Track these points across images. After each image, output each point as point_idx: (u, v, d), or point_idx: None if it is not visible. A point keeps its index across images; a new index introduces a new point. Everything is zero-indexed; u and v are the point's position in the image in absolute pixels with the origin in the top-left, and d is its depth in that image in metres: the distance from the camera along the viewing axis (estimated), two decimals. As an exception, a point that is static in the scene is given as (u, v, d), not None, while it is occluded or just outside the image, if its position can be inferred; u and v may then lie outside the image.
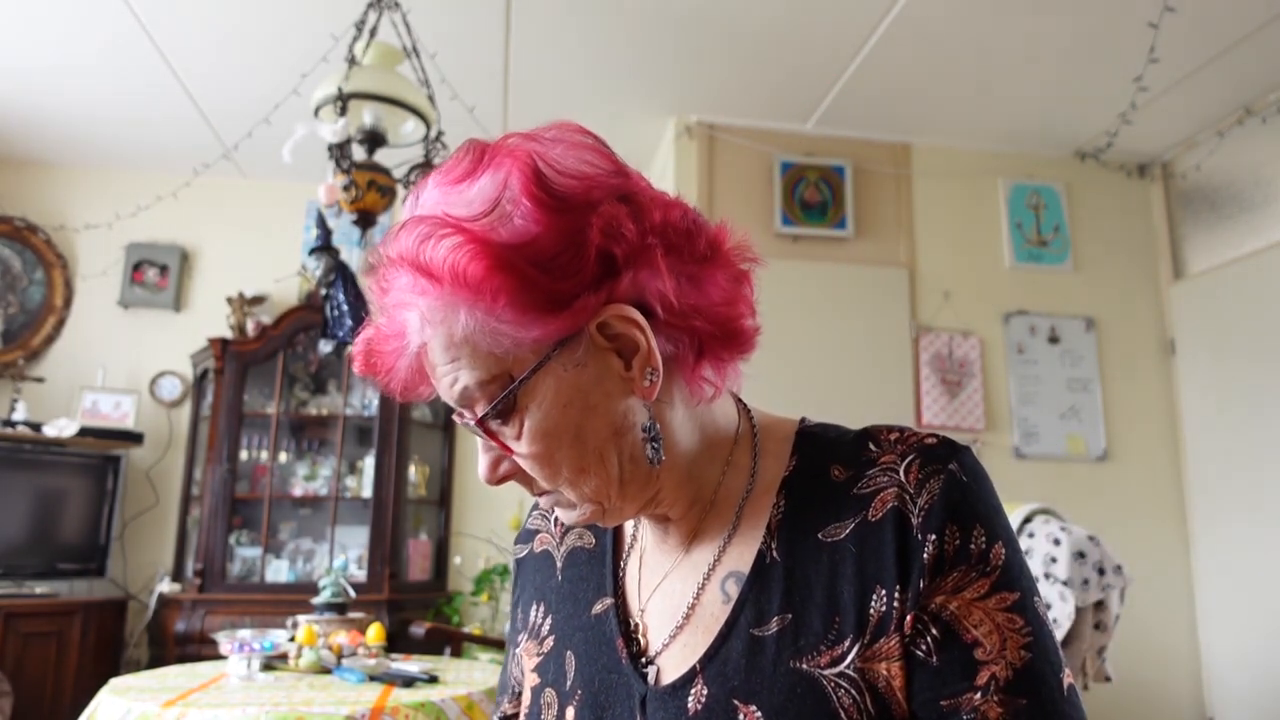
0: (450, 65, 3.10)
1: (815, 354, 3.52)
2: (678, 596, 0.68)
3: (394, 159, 2.65)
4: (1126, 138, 3.65)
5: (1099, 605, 2.37)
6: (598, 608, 0.71)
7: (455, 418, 0.63)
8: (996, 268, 3.78)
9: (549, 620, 0.75)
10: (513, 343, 0.58)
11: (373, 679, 2.01)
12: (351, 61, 2.48)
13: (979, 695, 0.56)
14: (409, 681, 1.95)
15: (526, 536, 0.84)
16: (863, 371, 3.54)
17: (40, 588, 3.57)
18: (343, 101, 2.38)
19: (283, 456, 3.92)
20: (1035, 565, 2.38)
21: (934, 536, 0.59)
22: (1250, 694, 3.32)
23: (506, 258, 0.55)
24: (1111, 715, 3.36)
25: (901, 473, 0.62)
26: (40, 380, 3.99)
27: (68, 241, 4.18)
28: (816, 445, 0.69)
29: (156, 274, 4.18)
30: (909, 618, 0.58)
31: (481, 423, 0.61)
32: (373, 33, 2.57)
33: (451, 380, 0.60)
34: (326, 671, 2.10)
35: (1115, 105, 3.40)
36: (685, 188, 3.62)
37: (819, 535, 0.63)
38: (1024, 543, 2.45)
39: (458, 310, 0.57)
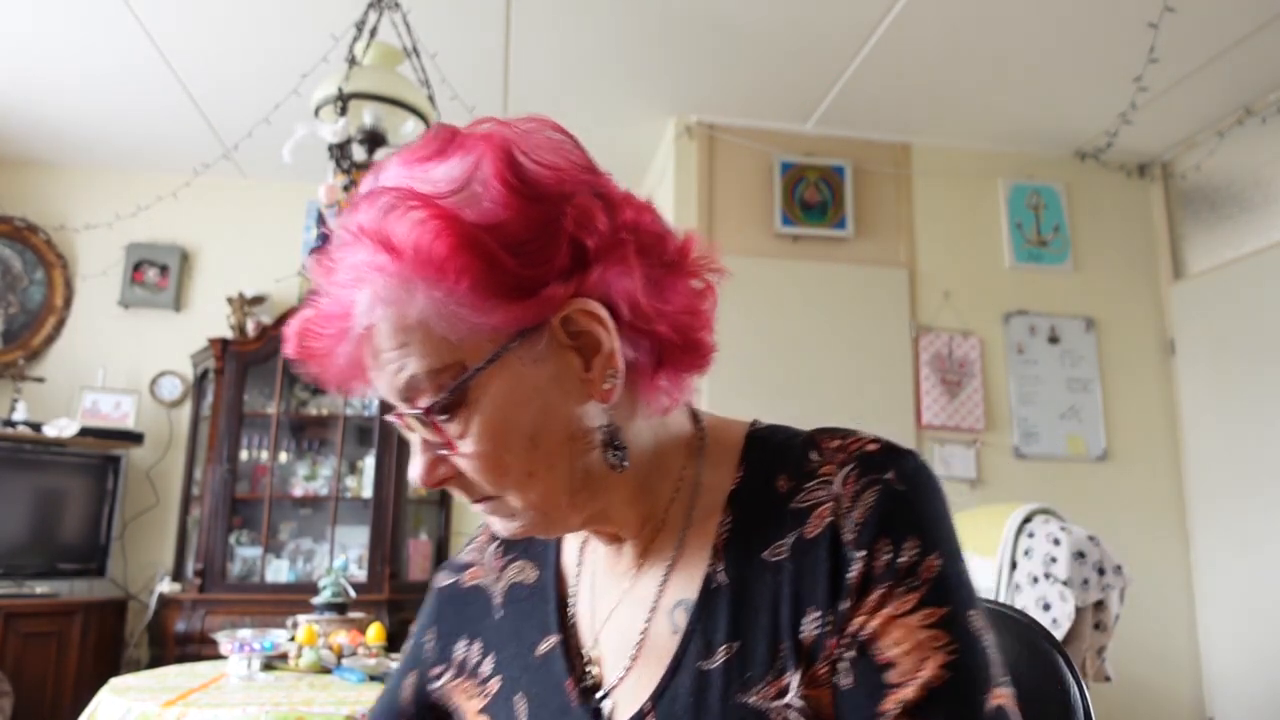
0: (450, 65, 3.10)
1: (815, 354, 3.52)
2: (629, 627, 0.64)
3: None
4: (1126, 138, 3.65)
5: (1099, 605, 2.37)
6: (543, 647, 0.67)
7: (391, 417, 0.58)
8: (996, 268, 3.78)
9: (491, 659, 0.70)
10: (471, 328, 0.55)
11: (373, 679, 2.01)
12: (351, 61, 2.48)
13: None
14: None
15: (456, 568, 0.78)
16: (863, 371, 3.54)
17: (40, 588, 3.57)
18: (343, 101, 2.38)
19: (283, 456, 3.92)
20: (1035, 565, 2.38)
21: (863, 554, 0.55)
22: (1250, 694, 3.32)
23: (474, 236, 0.52)
24: (1111, 715, 3.36)
25: (838, 484, 0.58)
26: (40, 380, 3.99)
27: (68, 241, 4.18)
28: (764, 454, 0.64)
29: (157, 274, 4.18)
30: (831, 643, 0.55)
31: (428, 415, 0.56)
32: (373, 33, 2.57)
33: (398, 368, 0.56)
34: (327, 671, 2.10)
35: (1115, 105, 3.40)
36: (685, 188, 3.62)
37: (763, 554, 0.59)
38: (1024, 543, 2.45)
39: (415, 289, 0.53)
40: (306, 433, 4.05)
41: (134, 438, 3.86)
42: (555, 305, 0.56)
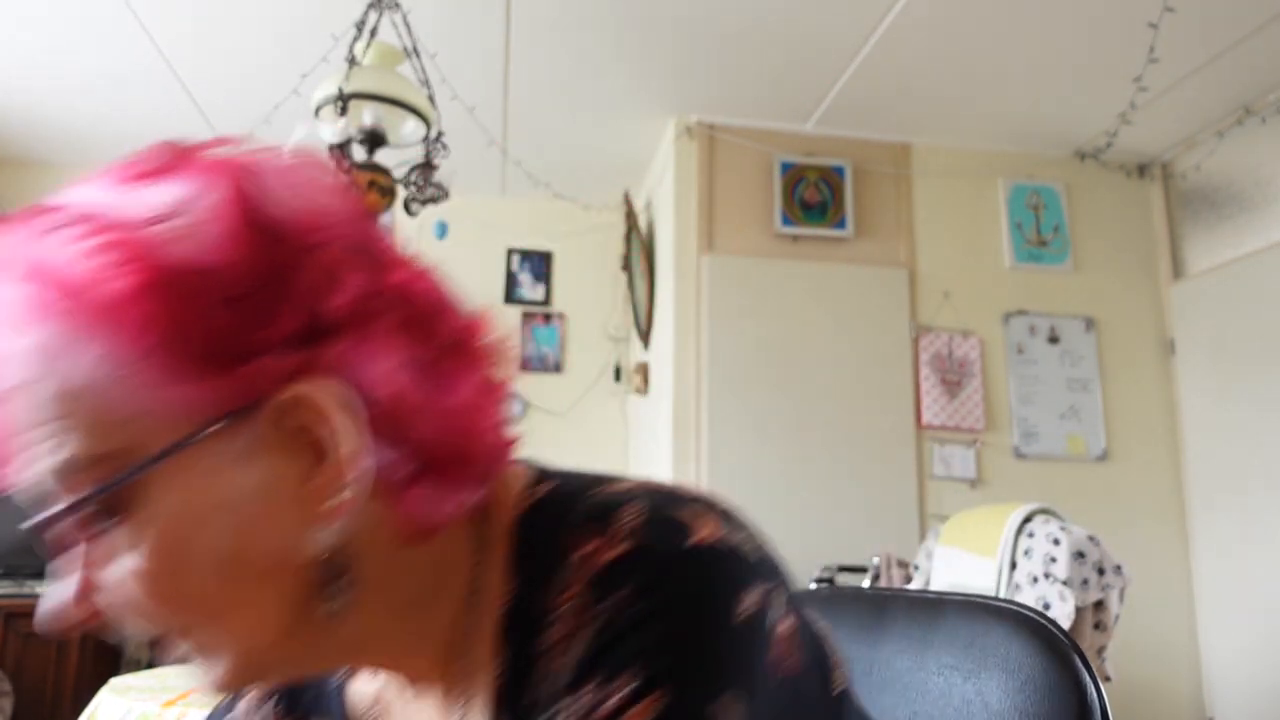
0: (450, 65, 3.10)
1: (815, 354, 3.52)
2: None
3: (394, 159, 2.65)
4: (1126, 138, 3.65)
5: (1099, 605, 2.37)
6: None
7: (32, 524, 0.41)
8: (996, 268, 3.78)
9: None
10: (150, 403, 0.40)
11: (373, 679, 2.01)
12: (351, 61, 2.48)
13: None
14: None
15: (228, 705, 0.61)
16: (863, 371, 3.54)
17: (40, 588, 3.57)
18: (343, 101, 2.38)
19: (283, 456, 3.91)
20: (1035, 565, 2.38)
21: (569, 700, 0.42)
22: (1250, 693, 3.32)
23: (170, 278, 0.39)
24: (1112, 715, 3.36)
25: (572, 611, 0.44)
26: (41, 380, 3.98)
27: (68, 241, 4.18)
28: (534, 551, 0.48)
29: (157, 274, 4.18)
30: None
31: (78, 516, 0.40)
32: (373, 33, 2.57)
33: (52, 447, 0.40)
34: (327, 671, 2.10)
35: (1115, 105, 3.40)
36: (685, 188, 3.62)
37: (543, 689, 0.44)
38: (1024, 543, 2.45)
39: (83, 343, 0.39)
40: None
41: (134, 438, 3.86)
42: (272, 384, 0.41)
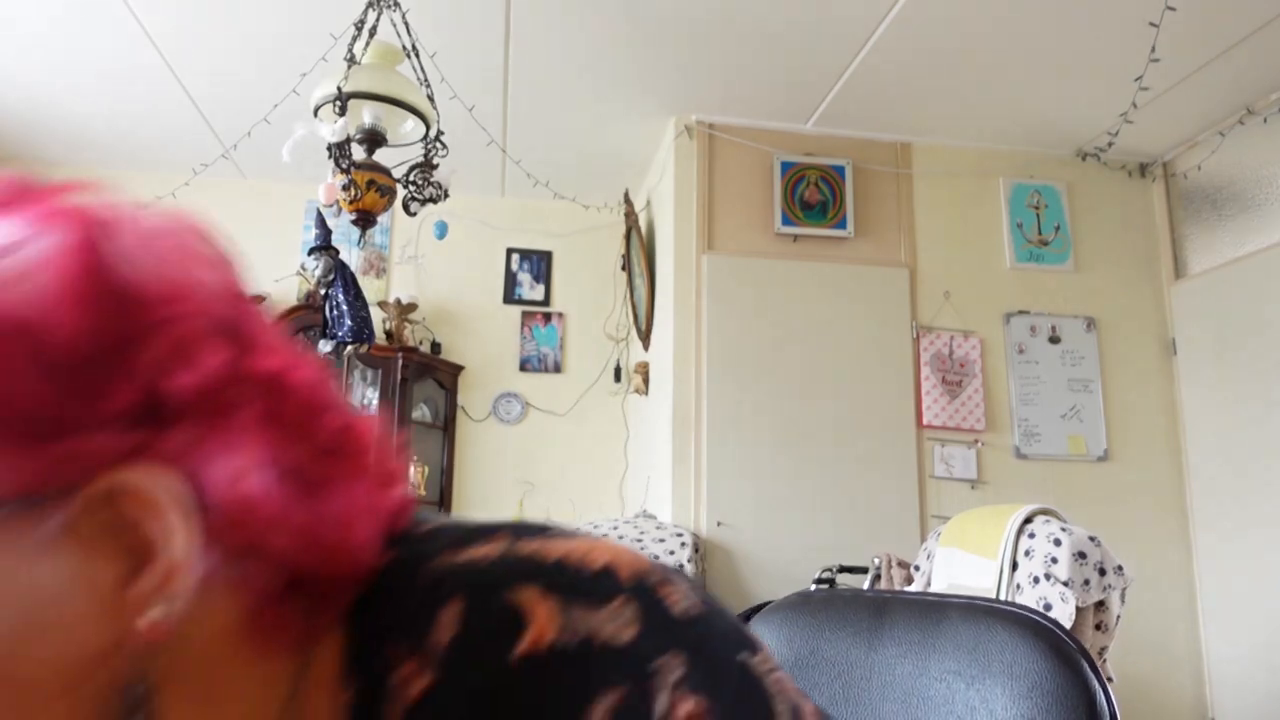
0: (450, 65, 3.10)
1: (815, 354, 3.51)
2: None
3: (394, 159, 2.64)
4: (1127, 137, 3.64)
5: (1100, 606, 2.37)
6: None
7: None
8: (997, 267, 3.77)
9: None
10: None
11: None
12: (351, 61, 2.47)
13: None
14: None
15: None
16: (863, 371, 3.53)
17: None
18: (342, 101, 2.37)
19: (282, 457, 3.91)
20: (1036, 566, 2.37)
21: None
22: (1251, 694, 3.32)
23: None
24: None
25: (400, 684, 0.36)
26: (40, 380, 3.98)
27: (67, 241, 4.17)
28: (358, 669, 0.38)
29: (156, 274, 4.18)
30: None
31: None
32: (372, 32, 2.57)
33: None
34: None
35: (1116, 105, 3.39)
36: (685, 188, 3.61)
37: None
38: (1024, 543, 2.44)
39: None
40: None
41: (133, 438, 3.86)
42: (92, 467, 0.34)
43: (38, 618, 0.34)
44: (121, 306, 0.35)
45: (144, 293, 0.36)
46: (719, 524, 3.27)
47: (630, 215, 4.13)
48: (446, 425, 4.18)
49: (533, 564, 0.37)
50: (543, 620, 0.35)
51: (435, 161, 2.59)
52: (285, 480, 0.38)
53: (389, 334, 4.09)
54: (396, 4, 2.59)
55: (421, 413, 4.07)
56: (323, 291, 2.94)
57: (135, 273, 0.36)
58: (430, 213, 2.79)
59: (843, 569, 2.96)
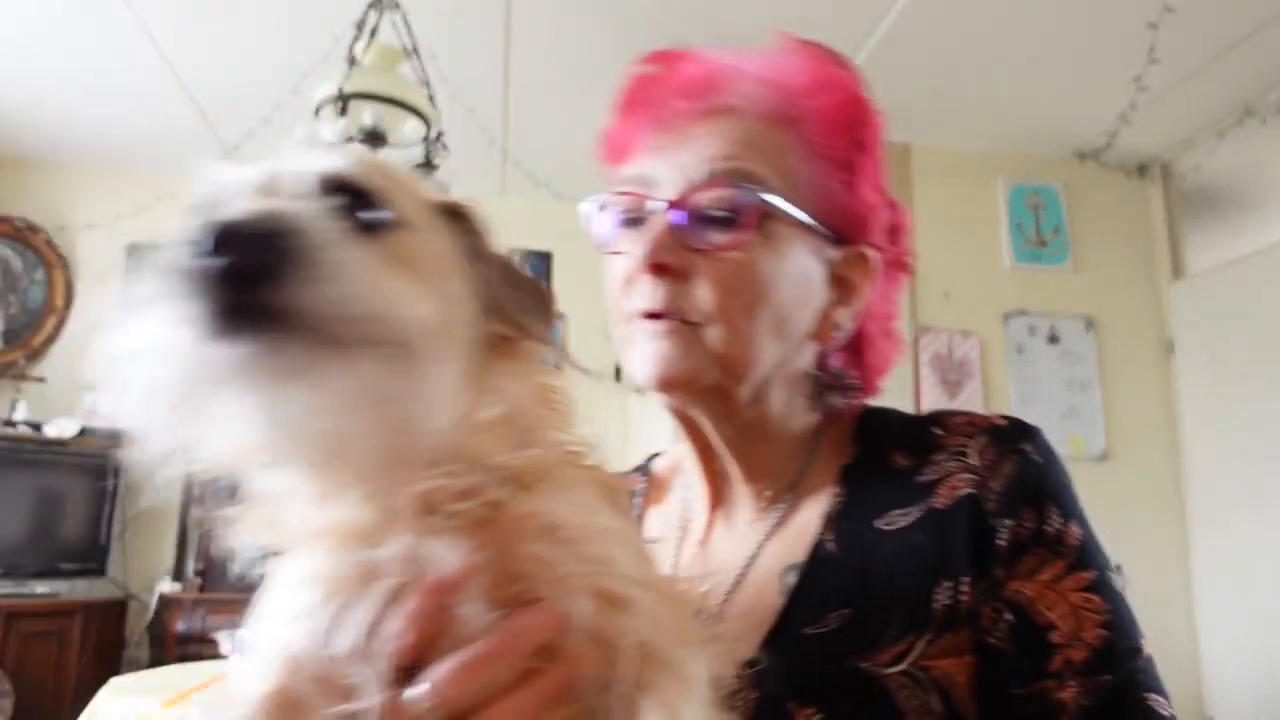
0: (450, 65, 3.10)
1: (815, 354, 3.52)
2: (722, 583, 0.64)
3: (394, 159, 2.65)
4: (1126, 138, 3.65)
5: (1098, 605, 2.37)
6: None
7: (698, 193, 0.60)
8: (996, 268, 3.77)
9: None
10: (817, 175, 0.62)
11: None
12: (352, 61, 2.48)
13: (1053, 681, 0.54)
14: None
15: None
16: (862, 371, 3.53)
17: (41, 587, 3.57)
18: (343, 101, 2.38)
19: (283, 456, 3.92)
20: (1035, 565, 2.38)
21: (1010, 522, 0.57)
22: (1249, 693, 3.32)
23: (880, 136, 0.69)
24: None
25: (973, 456, 0.60)
26: (41, 380, 3.99)
27: (68, 242, 4.18)
28: (877, 431, 0.68)
29: (157, 274, 4.19)
30: (986, 610, 0.56)
31: (734, 212, 0.60)
32: (373, 33, 2.57)
33: (725, 154, 0.61)
34: (327, 671, 2.10)
35: (1115, 105, 3.40)
36: (685, 188, 3.62)
37: (878, 524, 0.61)
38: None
39: (803, 127, 0.64)
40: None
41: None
42: (863, 237, 0.64)
43: (805, 294, 0.63)
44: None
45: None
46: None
47: (630, 215, 4.14)
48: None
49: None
50: (1001, 418, 0.64)
51: (436, 162, 2.60)
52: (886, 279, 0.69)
53: (389, 334, 4.10)
54: (397, 4, 2.59)
55: (422, 412, 4.08)
56: (323, 291, 2.95)
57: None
58: (431, 213, 2.79)
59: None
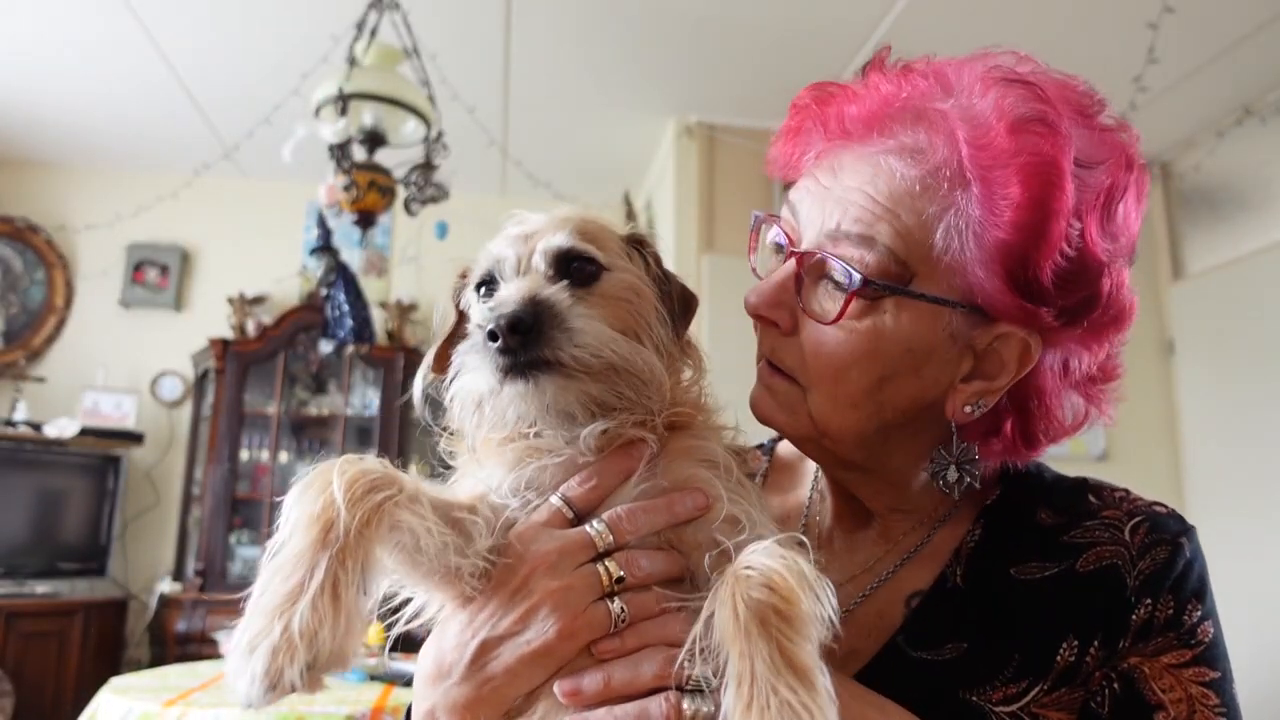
0: (450, 66, 3.10)
1: (815, 354, 3.52)
2: (842, 594, 0.65)
3: (394, 159, 2.65)
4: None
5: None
6: None
7: (824, 253, 0.60)
8: (996, 268, 3.78)
9: None
10: (960, 259, 0.57)
11: (373, 678, 2.01)
12: (352, 62, 2.48)
13: None
14: (410, 681, 1.95)
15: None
16: (863, 371, 3.54)
17: (41, 587, 3.57)
18: (343, 102, 2.38)
19: (283, 456, 3.92)
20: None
21: (1149, 601, 0.59)
22: (1249, 694, 3.32)
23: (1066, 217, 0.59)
24: None
25: (1126, 533, 0.61)
26: (41, 380, 3.99)
27: (69, 242, 4.18)
28: (1025, 482, 0.69)
29: (157, 274, 4.19)
30: (1098, 673, 0.57)
31: (864, 285, 0.58)
32: (373, 33, 2.57)
33: (863, 214, 0.58)
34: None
35: (1115, 105, 3.37)
36: (685, 188, 3.62)
37: (1012, 571, 0.62)
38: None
39: (972, 189, 0.56)
40: (307, 433, 4.05)
41: (134, 438, 3.86)
42: (1024, 322, 0.59)
43: (918, 366, 0.60)
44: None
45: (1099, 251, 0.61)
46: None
47: (630, 215, 4.14)
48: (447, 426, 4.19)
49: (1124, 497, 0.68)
50: (1161, 505, 0.65)
51: (436, 162, 2.60)
52: (1064, 372, 0.64)
53: (390, 334, 4.10)
54: (397, 5, 2.59)
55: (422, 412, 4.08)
56: (324, 292, 2.95)
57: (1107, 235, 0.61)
58: (431, 213, 2.79)
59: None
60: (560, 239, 0.65)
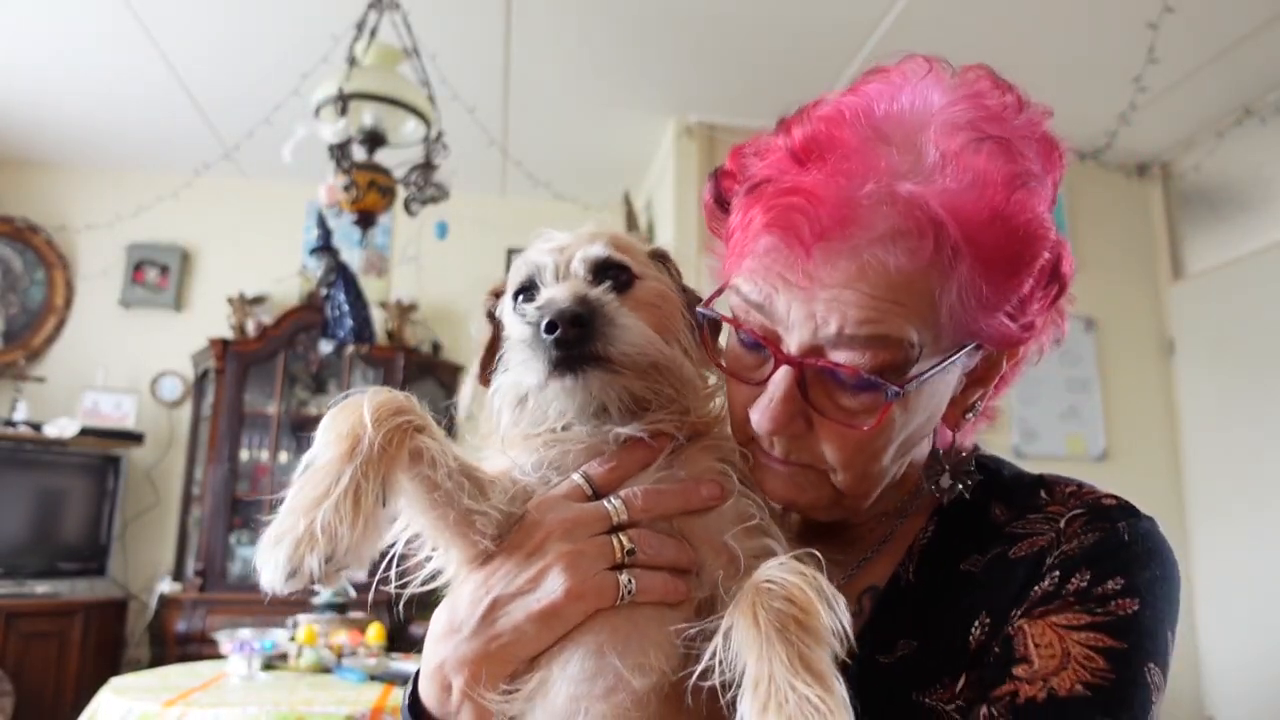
0: (450, 66, 3.10)
1: (815, 354, 3.52)
2: None
3: (394, 159, 2.65)
4: (1126, 138, 3.65)
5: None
6: None
7: (832, 363, 0.58)
8: (996, 268, 3.77)
9: None
10: (964, 323, 0.58)
11: (373, 678, 2.01)
12: (352, 62, 2.48)
13: (985, 708, 0.54)
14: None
15: None
16: (862, 371, 3.54)
17: (41, 587, 3.57)
18: (343, 102, 2.38)
19: (283, 456, 3.92)
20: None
21: (1057, 574, 0.58)
22: (1249, 693, 3.32)
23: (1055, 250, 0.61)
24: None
25: (1064, 523, 0.62)
26: (41, 380, 3.99)
27: (69, 242, 4.18)
28: (985, 479, 0.69)
29: (157, 274, 4.19)
30: (993, 645, 0.57)
31: (890, 389, 0.57)
32: (373, 33, 2.58)
33: (867, 312, 0.56)
34: (327, 671, 2.11)
35: (1115, 105, 3.40)
36: (685, 188, 3.62)
37: (961, 566, 0.63)
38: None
39: (969, 260, 0.56)
40: (307, 432, 4.04)
41: (134, 438, 3.86)
42: (1019, 336, 0.62)
43: (938, 409, 0.63)
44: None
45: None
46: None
47: (630, 216, 4.14)
48: (447, 425, 4.18)
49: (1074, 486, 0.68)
50: (1111, 497, 0.65)
51: (436, 162, 2.60)
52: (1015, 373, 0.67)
53: (390, 334, 4.10)
54: (397, 5, 2.59)
55: (422, 412, 4.08)
56: (324, 292, 2.95)
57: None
58: (431, 213, 2.79)
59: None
60: (597, 249, 0.69)
